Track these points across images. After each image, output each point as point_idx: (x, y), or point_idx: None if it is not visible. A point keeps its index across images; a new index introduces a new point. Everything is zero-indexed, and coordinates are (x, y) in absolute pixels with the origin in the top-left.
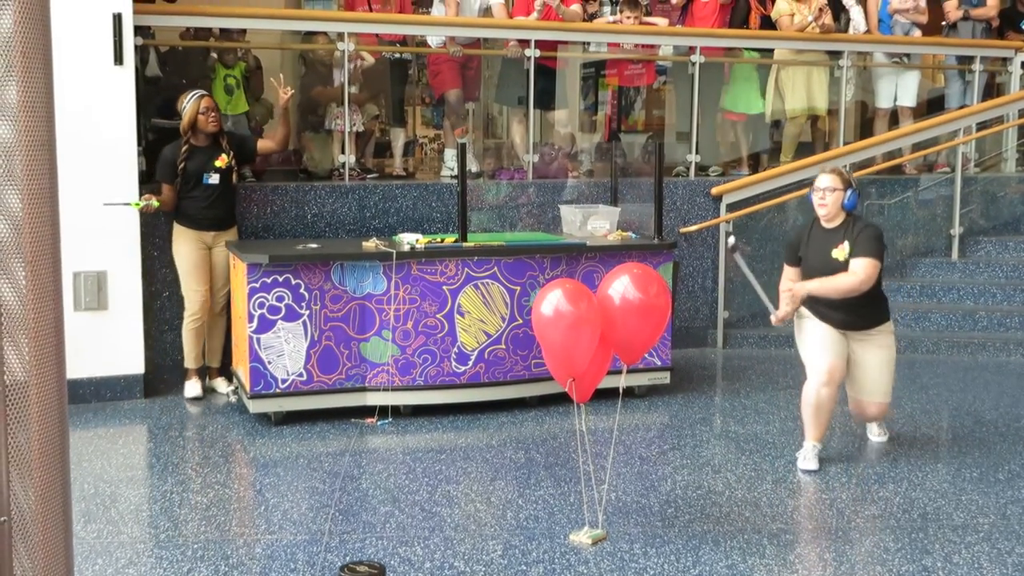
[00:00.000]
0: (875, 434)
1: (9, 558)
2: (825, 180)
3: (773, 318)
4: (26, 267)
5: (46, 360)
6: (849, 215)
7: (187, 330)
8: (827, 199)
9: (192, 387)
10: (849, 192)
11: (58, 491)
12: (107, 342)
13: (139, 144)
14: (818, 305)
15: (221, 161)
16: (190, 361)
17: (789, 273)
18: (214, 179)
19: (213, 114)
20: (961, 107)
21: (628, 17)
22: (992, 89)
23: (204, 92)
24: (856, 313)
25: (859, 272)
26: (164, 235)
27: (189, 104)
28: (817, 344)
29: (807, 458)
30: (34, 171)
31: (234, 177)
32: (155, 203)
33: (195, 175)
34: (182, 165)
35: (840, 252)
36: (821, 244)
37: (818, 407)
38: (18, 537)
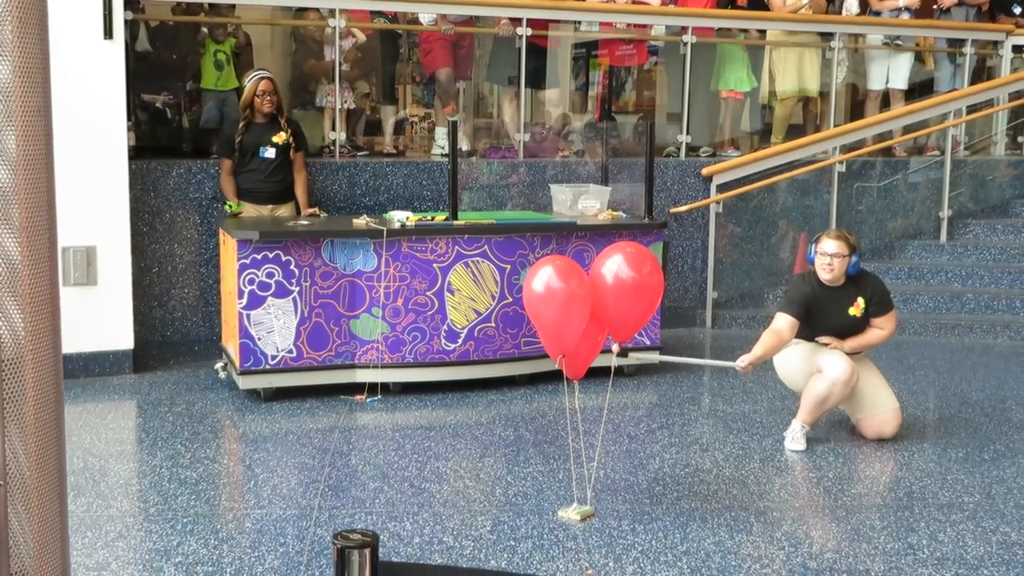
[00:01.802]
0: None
1: (4, 525)
2: (832, 246)
3: (740, 366)
4: (20, 234)
5: (42, 331)
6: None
7: None
8: (834, 265)
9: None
10: (854, 258)
11: (54, 461)
12: (96, 317)
13: (129, 119)
14: (810, 334)
15: (278, 137)
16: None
17: (784, 322)
18: (270, 153)
19: (269, 97)
20: (951, 90)
21: None
22: (982, 72)
23: (265, 74)
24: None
25: (887, 327)
26: (153, 211)
27: (248, 84)
28: (826, 351)
29: (795, 438)
30: (29, 135)
31: (292, 154)
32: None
33: (251, 148)
34: (239, 139)
35: (856, 310)
36: (833, 303)
37: (824, 400)
38: (12, 506)
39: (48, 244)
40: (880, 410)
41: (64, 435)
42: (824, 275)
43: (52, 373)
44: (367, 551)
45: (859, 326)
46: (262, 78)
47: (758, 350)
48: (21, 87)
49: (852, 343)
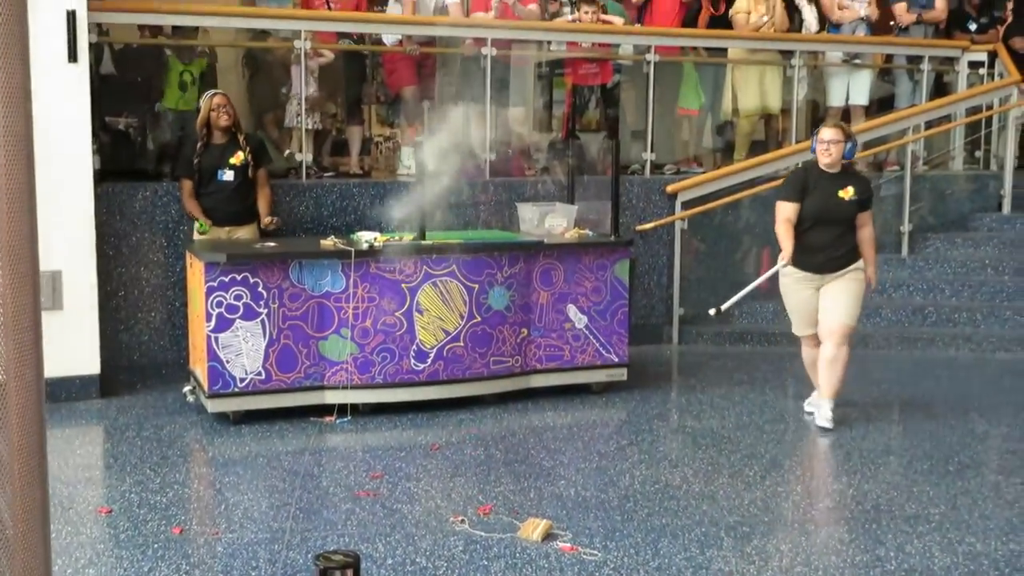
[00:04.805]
0: (824, 419)
1: None
2: (829, 133)
3: (784, 263)
4: (3, 258)
5: (25, 357)
6: (846, 162)
7: None
8: (831, 149)
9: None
10: (849, 144)
11: (37, 487)
12: (63, 342)
13: (94, 142)
14: (801, 254)
15: (236, 158)
16: None
17: (788, 210)
18: (228, 176)
19: (224, 108)
20: (910, 106)
21: (586, 12)
22: (940, 88)
23: (216, 91)
24: (834, 257)
25: (868, 224)
26: (119, 235)
27: (203, 102)
28: (796, 313)
29: (825, 417)
30: (12, 162)
31: (250, 172)
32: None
33: (210, 171)
34: (197, 160)
35: (846, 194)
36: (827, 187)
37: (814, 362)
38: None
39: (31, 270)
40: (834, 317)
41: (47, 461)
42: (824, 160)
43: (35, 399)
44: (350, 572)
45: (847, 212)
46: (214, 94)
47: (787, 243)
48: (3, 114)
49: (872, 270)
